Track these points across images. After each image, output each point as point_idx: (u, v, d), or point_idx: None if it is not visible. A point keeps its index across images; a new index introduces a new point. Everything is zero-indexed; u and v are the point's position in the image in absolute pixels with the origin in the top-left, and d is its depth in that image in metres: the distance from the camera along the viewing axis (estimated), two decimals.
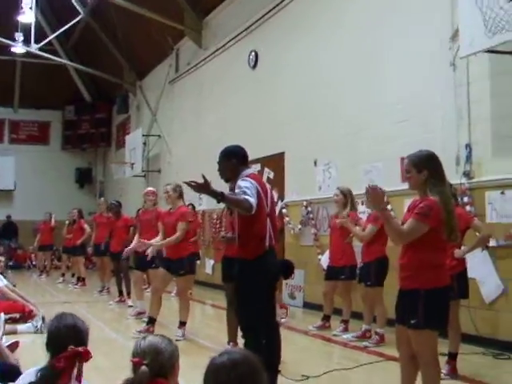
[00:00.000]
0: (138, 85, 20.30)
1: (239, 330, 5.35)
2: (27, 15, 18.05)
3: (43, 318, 7.97)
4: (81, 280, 14.44)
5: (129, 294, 11.06)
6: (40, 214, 18.02)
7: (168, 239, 7.82)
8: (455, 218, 3.87)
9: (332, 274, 8.11)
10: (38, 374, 2.52)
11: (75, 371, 2.57)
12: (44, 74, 21.67)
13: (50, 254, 17.99)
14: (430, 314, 3.73)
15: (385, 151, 8.61)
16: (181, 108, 16.60)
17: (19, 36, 18.71)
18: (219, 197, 4.40)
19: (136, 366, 2.32)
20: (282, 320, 8.26)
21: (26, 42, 18.79)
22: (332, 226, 8.25)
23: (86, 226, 14.56)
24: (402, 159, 8.00)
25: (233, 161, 4.92)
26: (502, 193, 6.83)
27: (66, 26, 19.50)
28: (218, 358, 2.16)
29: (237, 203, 4.55)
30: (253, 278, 4.75)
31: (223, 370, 2.12)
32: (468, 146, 7.33)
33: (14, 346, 6.17)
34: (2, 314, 6.75)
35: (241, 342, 6.23)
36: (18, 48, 19.18)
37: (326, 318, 8.28)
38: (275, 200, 6.54)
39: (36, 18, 18.84)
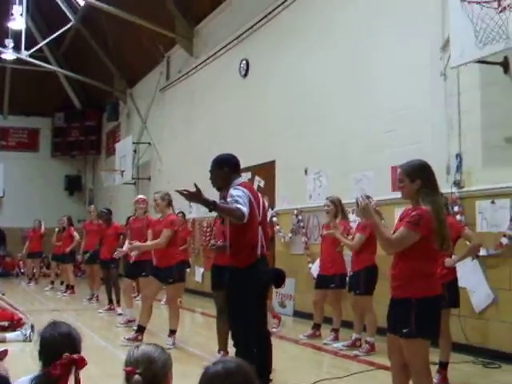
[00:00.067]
0: (128, 92, 20.27)
1: (230, 338, 5.34)
2: (18, 22, 18.01)
3: (32, 327, 7.93)
4: (70, 288, 14.37)
5: (118, 302, 11.02)
6: (29, 221, 17.95)
7: (149, 242, 7.93)
8: (447, 228, 3.89)
9: (322, 282, 8.12)
10: (33, 383, 2.50)
11: (72, 379, 2.55)
12: (34, 81, 21.61)
13: (38, 261, 17.92)
14: (421, 323, 3.73)
15: (375, 160, 8.64)
16: (171, 116, 16.59)
17: (9, 42, 18.66)
18: (211, 205, 4.40)
19: (129, 375, 2.30)
20: (274, 329, 8.24)
21: (17, 48, 18.74)
22: (323, 235, 8.26)
23: (75, 234, 14.51)
24: (393, 168, 8.07)
25: (225, 169, 4.93)
26: (492, 202, 6.86)
27: (57, 33, 19.48)
28: (212, 367, 2.16)
29: (229, 212, 4.56)
30: (244, 287, 4.75)
31: (217, 379, 2.11)
32: (458, 156, 7.36)
33: (2, 355, 6.12)
34: None
35: (231, 350, 6.25)
36: (8, 54, 19.12)
37: (317, 327, 8.27)
38: (267, 208, 6.53)
39: (26, 25, 18.82)
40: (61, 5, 19.29)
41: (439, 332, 4.00)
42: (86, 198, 24.41)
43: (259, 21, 11.99)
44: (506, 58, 6.69)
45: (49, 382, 2.50)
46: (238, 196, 4.58)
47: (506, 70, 6.77)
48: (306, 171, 10.33)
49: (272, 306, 9.21)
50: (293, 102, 10.85)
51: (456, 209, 7.18)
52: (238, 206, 4.50)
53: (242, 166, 5.29)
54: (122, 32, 17.35)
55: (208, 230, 13.04)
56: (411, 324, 3.74)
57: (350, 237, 7.56)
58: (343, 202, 8.01)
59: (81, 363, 2.57)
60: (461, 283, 6.07)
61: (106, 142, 23.44)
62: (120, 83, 20.36)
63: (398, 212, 7.01)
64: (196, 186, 4.37)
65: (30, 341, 7.71)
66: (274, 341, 5.41)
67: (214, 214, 6.50)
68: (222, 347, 6.61)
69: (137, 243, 8.15)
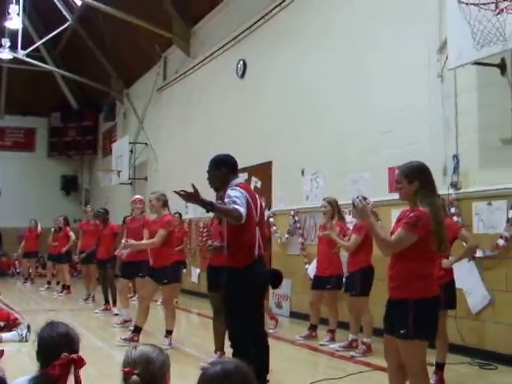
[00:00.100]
0: (125, 92, 20.26)
1: (227, 339, 5.34)
2: (14, 21, 17.97)
3: (28, 327, 7.91)
4: (66, 288, 14.35)
5: (114, 302, 11.01)
6: (24, 221, 17.93)
7: (143, 241, 7.93)
8: (445, 229, 3.89)
9: (318, 283, 8.12)
10: (31, 383, 2.49)
11: (72, 379, 2.55)
12: (30, 81, 21.58)
13: (34, 261, 17.89)
14: (419, 324, 3.74)
15: (372, 161, 8.64)
16: (168, 116, 16.58)
17: (6, 42, 18.62)
18: (209, 206, 4.40)
19: (127, 376, 2.30)
20: (271, 330, 8.25)
21: (13, 48, 18.71)
22: (319, 235, 8.27)
23: (71, 234, 14.49)
24: (390, 169, 8.08)
25: (222, 170, 4.94)
26: (489, 204, 6.88)
27: (54, 33, 19.47)
28: (211, 367, 2.16)
29: (226, 213, 4.56)
30: (242, 287, 4.76)
31: (216, 379, 2.11)
32: (455, 157, 7.38)
33: None
34: None
35: (228, 350, 6.25)
36: (5, 54, 19.07)
37: (313, 328, 8.27)
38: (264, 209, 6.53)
39: (23, 24, 18.78)
40: (58, 4, 19.29)
41: (436, 333, 3.99)
42: (82, 198, 24.38)
43: (256, 21, 11.99)
44: (503, 59, 6.71)
45: (47, 383, 2.49)
46: (236, 197, 4.58)
47: (502, 72, 6.78)
48: (302, 172, 10.33)
49: (270, 307, 9.21)
50: (290, 102, 10.85)
51: (453, 210, 7.18)
52: (236, 206, 4.50)
53: (239, 166, 5.29)
54: (119, 32, 17.34)
55: (204, 230, 13.03)
56: (408, 325, 3.74)
57: (346, 238, 7.58)
58: (340, 202, 8.02)
59: (80, 363, 2.56)
60: (457, 284, 6.08)
61: (102, 142, 23.41)
62: (117, 83, 20.34)
63: (395, 213, 7.03)
64: (193, 186, 4.37)
65: (26, 341, 7.70)
66: (271, 341, 5.41)
67: (211, 214, 6.54)
68: (219, 347, 6.61)
69: (132, 241, 8.17)
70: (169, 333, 7.69)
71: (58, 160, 24.32)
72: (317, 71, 10.15)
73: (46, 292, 14.98)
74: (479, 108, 7.14)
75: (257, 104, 12.01)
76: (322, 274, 8.04)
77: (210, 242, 6.87)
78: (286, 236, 10.62)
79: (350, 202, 7.16)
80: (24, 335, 7.82)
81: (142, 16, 15.23)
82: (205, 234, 12.93)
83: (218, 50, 13.61)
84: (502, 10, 5.71)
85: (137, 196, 9.83)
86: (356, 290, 7.32)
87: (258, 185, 11.48)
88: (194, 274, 14.00)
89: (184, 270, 12.79)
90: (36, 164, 23.59)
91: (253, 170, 11.61)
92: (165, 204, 7.82)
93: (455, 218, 7.07)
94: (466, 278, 6.85)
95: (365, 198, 6.31)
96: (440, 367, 5.67)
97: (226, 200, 4.64)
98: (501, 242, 6.67)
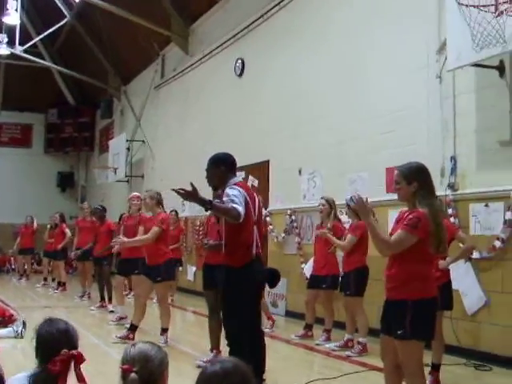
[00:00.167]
0: (122, 90, 20.22)
1: (223, 337, 5.34)
2: (12, 17, 17.89)
3: (24, 323, 7.90)
4: (61, 285, 14.33)
5: (110, 299, 11.00)
6: (20, 217, 17.90)
7: (136, 238, 7.92)
8: (444, 231, 3.89)
9: (314, 282, 8.13)
10: (31, 380, 2.48)
11: (72, 375, 2.55)
12: (28, 77, 21.52)
13: (30, 257, 17.87)
14: (416, 325, 3.74)
15: (370, 161, 8.65)
16: (165, 114, 16.57)
17: (3, 37, 18.52)
18: (207, 205, 4.41)
19: (125, 373, 2.30)
20: (267, 330, 8.24)
21: (11, 43, 18.65)
22: (316, 234, 8.27)
23: (67, 231, 14.47)
24: (388, 170, 8.09)
25: (221, 168, 4.94)
26: (486, 205, 6.89)
27: (52, 29, 19.41)
28: (210, 366, 2.16)
29: (225, 211, 4.56)
30: (239, 286, 4.75)
31: (215, 378, 2.11)
32: (453, 159, 7.39)
33: None
34: None
35: (224, 349, 6.25)
36: (2, 49, 18.95)
37: (309, 327, 8.28)
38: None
39: (21, 20, 18.70)
40: (56, 1, 19.22)
41: (434, 334, 4.00)
42: (78, 195, 24.34)
43: (255, 20, 11.98)
44: (501, 61, 6.72)
45: (48, 379, 2.49)
46: (234, 195, 4.58)
47: (501, 74, 6.79)
48: (300, 171, 10.33)
49: (267, 307, 9.19)
50: (288, 101, 10.85)
51: (450, 211, 7.20)
52: (234, 205, 4.50)
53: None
54: (118, 29, 17.31)
55: (201, 228, 13.02)
56: (406, 325, 3.74)
57: (343, 238, 7.58)
58: (337, 202, 8.02)
59: (80, 359, 2.56)
60: (453, 285, 6.08)
61: (99, 139, 23.38)
62: (114, 80, 20.31)
63: (392, 213, 7.05)
64: (192, 184, 4.37)
65: (22, 337, 7.70)
66: (266, 340, 5.40)
67: (207, 212, 6.52)
68: (215, 346, 6.60)
69: (123, 238, 8.19)
70: (164, 331, 7.69)
71: (54, 156, 24.27)
72: (315, 71, 10.15)
73: (42, 288, 14.96)
74: (477, 110, 7.15)
75: (255, 103, 12.01)
76: (319, 274, 8.04)
77: (205, 240, 6.87)
78: (283, 235, 10.62)
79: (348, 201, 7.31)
80: (19, 332, 7.81)
81: (140, 13, 15.21)
82: (201, 232, 12.93)
83: (216, 48, 13.60)
84: (502, 13, 5.72)
85: (134, 193, 9.83)
86: (350, 290, 7.34)
87: (255, 183, 11.46)
88: (190, 272, 14.00)
89: (180, 268, 12.80)
90: (32, 160, 23.53)
91: (250, 169, 11.60)
92: (159, 202, 7.81)
93: (452, 220, 7.08)
94: (462, 279, 6.86)
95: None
96: (436, 368, 5.69)
97: (224, 199, 4.64)
98: (497, 243, 6.68)
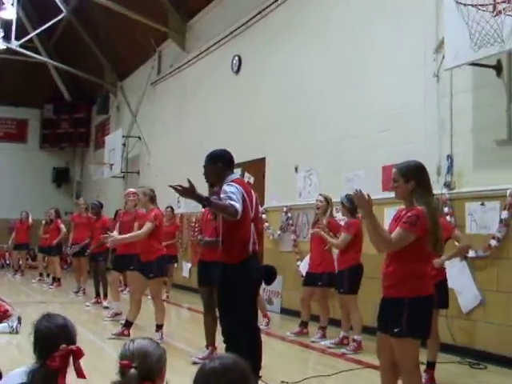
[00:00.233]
0: (118, 85, 20.18)
1: (218, 334, 5.35)
2: (8, 11, 17.89)
3: (19, 318, 7.89)
4: (56, 280, 14.31)
5: (106, 295, 11.00)
6: (15, 212, 17.86)
7: (130, 234, 7.91)
8: (441, 229, 3.91)
9: (310, 280, 8.14)
10: (30, 376, 2.48)
11: (74, 370, 2.56)
12: (24, 72, 21.49)
13: (24, 253, 17.81)
14: (413, 323, 3.75)
15: (367, 160, 8.65)
16: (162, 110, 16.54)
17: None
18: (205, 202, 4.40)
19: (124, 369, 2.30)
20: (262, 327, 8.24)
21: (7, 38, 18.60)
22: (311, 234, 8.28)
23: (62, 226, 14.45)
24: (384, 168, 8.10)
25: (219, 165, 4.94)
26: (482, 204, 6.91)
27: (48, 24, 19.37)
28: (209, 363, 2.16)
29: (222, 208, 4.55)
30: (236, 283, 4.76)
31: (214, 375, 2.11)
32: (449, 157, 7.40)
33: None
34: None
35: (219, 346, 6.25)
36: None
37: (304, 325, 8.28)
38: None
39: (17, 15, 18.69)
40: None
41: (430, 332, 4.01)
42: (74, 191, 24.30)
43: (253, 17, 11.97)
44: (499, 61, 6.73)
45: (47, 375, 2.49)
46: (232, 192, 4.58)
47: (498, 73, 6.81)
48: (296, 169, 10.33)
49: (264, 304, 9.18)
50: (285, 99, 10.85)
51: (446, 210, 7.21)
52: (232, 202, 4.50)
53: None
54: (114, 25, 17.27)
55: (196, 225, 13.02)
56: (402, 323, 3.75)
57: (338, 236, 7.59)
58: (333, 200, 8.02)
59: (78, 354, 2.56)
60: (449, 284, 6.09)
61: (95, 135, 23.32)
62: (111, 76, 20.27)
63: (388, 212, 7.07)
64: (189, 181, 4.37)
65: (17, 333, 7.69)
66: (261, 338, 5.41)
67: (203, 209, 6.52)
68: (210, 343, 6.61)
69: (116, 235, 8.20)
70: (159, 327, 7.69)
71: (49, 152, 24.22)
72: (313, 68, 10.15)
73: (37, 284, 14.94)
74: (474, 109, 7.17)
75: (251, 100, 12.00)
76: (314, 271, 8.05)
77: (200, 236, 6.86)
78: (279, 232, 10.63)
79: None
80: (14, 327, 7.80)
81: (137, 9, 15.17)
82: (196, 229, 12.92)
83: (213, 45, 13.59)
84: (500, 12, 5.73)
85: (130, 189, 9.80)
86: (344, 288, 7.35)
87: (251, 181, 11.46)
88: (185, 269, 14.00)
89: (175, 265, 12.80)
90: (28, 156, 23.48)
91: (246, 166, 11.59)
92: (152, 198, 7.81)
93: (448, 218, 7.09)
94: (458, 277, 6.87)
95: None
96: (431, 366, 5.70)
97: (221, 195, 4.64)
98: (493, 242, 6.70)
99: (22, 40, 19.04)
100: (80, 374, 2.58)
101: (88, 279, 12.69)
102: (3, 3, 17.76)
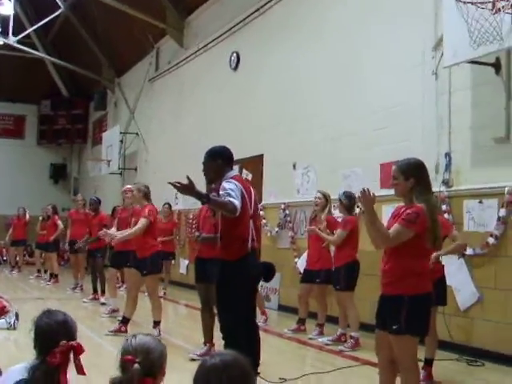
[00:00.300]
0: (116, 82, 20.15)
1: (216, 330, 5.35)
2: (6, 7, 17.86)
3: (17, 315, 7.89)
4: (53, 276, 14.30)
5: (103, 291, 10.99)
6: (12, 208, 17.85)
7: (127, 232, 7.92)
8: (439, 227, 3.92)
9: (308, 277, 8.14)
10: (31, 372, 2.48)
11: (74, 365, 2.56)
12: (21, 67, 21.42)
13: (22, 249, 17.79)
14: (411, 320, 3.76)
15: (364, 157, 8.65)
16: (160, 107, 16.52)
17: None
18: (204, 198, 4.41)
19: (127, 364, 2.29)
20: (260, 324, 8.24)
21: (4, 34, 18.56)
22: (307, 231, 8.29)
23: (59, 222, 14.43)
24: (382, 165, 8.10)
25: (218, 161, 4.94)
26: (480, 202, 6.92)
27: (46, 20, 19.30)
28: (210, 359, 2.16)
29: (221, 205, 4.56)
30: (234, 280, 4.76)
31: (214, 372, 2.11)
32: (448, 155, 7.40)
33: None
34: None
35: (216, 342, 6.26)
36: None
37: (301, 321, 8.29)
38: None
39: (15, 11, 18.63)
40: None
41: (428, 329, 4.02)
42: (71, 187, 24.26)
43: (251, 14, 11.95)
44: (497, 58, 6.73)
45: (48, 371, 2.49)
46: (231, 189, 4.58)
47: (497, 71, 6.81)
48: (294, 166, 10.33)
49: (263, 301, 9.19)
50: (283, 96, 10.84)
51: (444, 207, 7.22)
52: (231, 199, 4.51)
53: None
54: (112, 21, 17.23)
55: (194, 221, 13.01)
56: (401, 321, 3.76)
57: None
58: (331, 197, 8.02)
59: (79, 350, 2.56)
60: (447, 281, 6.10)
61: (92, 131, 23.30)
62: (108, 72, 20.23)
63: (386, 209, 7.07)
64: (188, 178, 4.37)
65: (15, 329, 7.69)
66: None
67: (200, 205, 6.51)
68: (208, 339, 6.60)
69: (114, 232, 8.23)
70: (156, 323, 7.70)
71: (47, 148, 24.18)
72: (311, 66, 10.14)
73: (34, 280, 14.93)
74: (473, 106, 7.17)
75: (250, 97, 11.99)
76: (312, 268, 8.06)
77: (197, 233, 6.86)
78: (276, 229, 10.63)
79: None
80: (12, 323, 7.80)
81: (135, 5, 15.15)
82: (194, 226, 12.91)
83: (211, 41, 13.57)
84: (499, 10, 5.73)
85: (128, 186, 9.80)
86: (340, 285, 7.36)
87: (249, 177, 11.46)
88: (183, 266, 13.99)
89: (173, 262, 12.79)
90: (25, 152, 23.44)
91: (244, 163, 11.58)
92: (146, 195, 7.82)
93: (446, 216, 7.10)
94: (456, 275, 6.88)
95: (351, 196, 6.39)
96: (429, 363, 5.71)
97: (220, 192, 4.64)
98: (491, 240, 6.71)
99: (20, 36, 19.00)
100: (80, 370, 2.58)
101: (85, 275, 12.68)
102: None
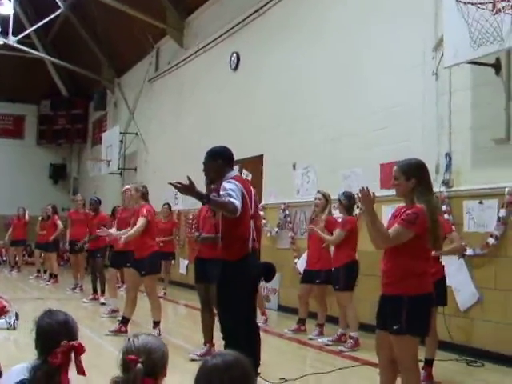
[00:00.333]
0: (116, 82, 20.14)
1: (216, 330, 5.35)
2: (6, 7, 17.85)
3: (17, 315, 7.89)
4: (53, 277, 14.29)
5: (103, 291, 10.99)
6: (12, 208, 17.84)
7: (128, 233, 7.90)
8: (440, 227, 3.93)
9: (308, 277, 8.14)
10: (33, 372, 2.48)
11: (75, 366, 2.56)
12: (21, 67, 21.42)
13: (21, 249, 17.79)
14: (412, 321, 3.76)
15: (364, 157, 8.65)
16: (160, 107, 16.52)
17: None
18: (204, 199, 4.41)
19: (131, 364, 2.29)
20: (260, 324, 8.24)
21: (4, 34, 18.55)
22: (307, 231, 8.29)
23: (59, 222, 14.43)
24: (382, 166, 8.10)
25: (219, 161, 4.94)
26: (480, 202, 6.92)
27: (45, 20, 19.29)
28: (211, 359, 2.16)
29: (222, 206, 4.56)
30: (235, 280, 4.76)
31: (216, 372, 2.11)
32: (448, 155, 7.41)
33: None
34: None
35: (216, 342, 6.26)
36: None
37: (302, 322, 8.29)
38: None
39: (15, 11, 18.62)
40: None
41: (429, 330, 4.02)
42: (71, 187, 24.24)
43: (251, 14, 11.95)
44: (497, 59, 6.73)
45: (49, 371, 2.49)
46: (231, 189, 4.58)
47: (497, 72, 6.81)
48: (294, 166, 10.33)
49: (263, 302, 9.18)
50: (283, 96, 10.84)
51: (444, 208, 7.22)
52: (231, 199, 4.51)
53: None
54: (112, 21, 17.22)
55: (194, 222, 13.00)
56: (402, 321, 3.76)
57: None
58: (331, 197, 8.02)
59: (80, 350, 2.56)
60: (447, 282, 6.11)
61: (92, 131, 23.29)
62: (108, 72, 20.22)
63: (386, 209, 7.07)
64: (189, 178, 4.37)
65: (14, 329, 7.69)
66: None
67: (200, 205, 6.51)
68: (208, 339, 6.60)
69: (114, 231, 8.23)
70: (156, 323, 7.70)
71: (46, 148, 24.16)
72: (311, 66, 10.14)
73: (34, 280, 14.93)
74: (473, 107, 7.17)
75: (250, 97, 11.99)
76: (312, 268, 8.05)
77: (196, 233, 6.86)
78: (276, 230, 10.63)
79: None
80: (12, 323, 7.80)
81: (135, 5, 15.15)
82: (194, 226, 12.90)
83: (211, 42, 13.57)
84: (500, 10, 5.73)
85: (128, 186, 9.80)
86: (339, 285, 7.36)
87: (249, 178, 11.45)
88: (183, 266, 13.99)
89: (172, 262, 12.79)
90: (25, 152, 23.43)
91: (244, 163, 11.58)
92: (144, 195, 7.83)
93: (446, 216, 7.10)
94: (456, 275, 6.88)
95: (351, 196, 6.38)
96: (429, 363, 5.71)
97: (221, 192, 4.64)
98: (491, 240, 6.72)
99: (20, 36, 18.99)
100: (80, 370, 2.57)
101: (85, 276, 12.68)
102: None
